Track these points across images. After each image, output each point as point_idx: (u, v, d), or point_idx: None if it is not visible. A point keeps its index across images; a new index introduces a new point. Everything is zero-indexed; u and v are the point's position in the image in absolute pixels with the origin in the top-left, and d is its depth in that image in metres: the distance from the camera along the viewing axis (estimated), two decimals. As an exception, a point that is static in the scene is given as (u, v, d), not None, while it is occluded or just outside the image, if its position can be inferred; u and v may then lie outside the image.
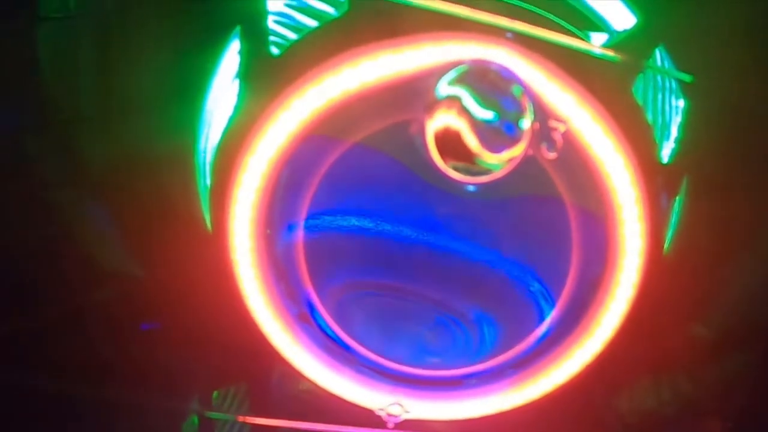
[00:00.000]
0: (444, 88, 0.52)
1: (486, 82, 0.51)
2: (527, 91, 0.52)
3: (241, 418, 0.76)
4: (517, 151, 0.52)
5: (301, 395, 0.74)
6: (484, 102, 0.51)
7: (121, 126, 0.77)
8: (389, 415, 0.66)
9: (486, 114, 0.50)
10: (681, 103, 0.65)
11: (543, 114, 0.54)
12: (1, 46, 0.77)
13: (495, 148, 0.51)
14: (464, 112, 0.50)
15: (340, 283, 0.67)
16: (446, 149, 0.52)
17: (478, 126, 0.50)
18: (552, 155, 0.54)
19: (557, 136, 0.54)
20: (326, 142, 0.60)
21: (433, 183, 0.58)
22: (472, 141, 0.50)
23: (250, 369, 0.75)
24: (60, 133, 0.80)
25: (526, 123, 0.52)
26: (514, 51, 0.53)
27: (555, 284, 0.65)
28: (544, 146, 0.54)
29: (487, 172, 0.53)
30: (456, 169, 0.53)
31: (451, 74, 0.52)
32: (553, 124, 0.53)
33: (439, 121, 0.52)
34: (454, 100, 0.51)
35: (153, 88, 0.72)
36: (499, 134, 0.51)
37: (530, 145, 0.53)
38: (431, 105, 0.52)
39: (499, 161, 0.52)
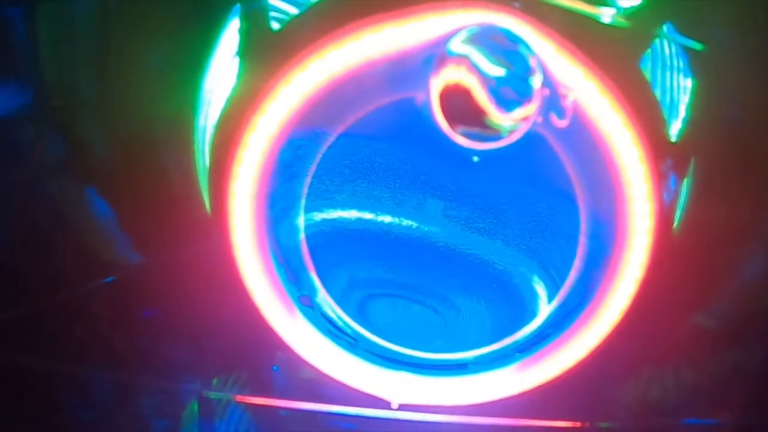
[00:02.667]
0: (453, 46, 0.50)
1: (496, 41, 0.49)
2: (536, 54, 0.51)
3: (239, 398, 0.74)
4: (527, 111, 0.51)
5: (302, 381, 0.73)
6: (495, 59, 0.49)
7: (120, 108, 0.75)
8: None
9: (496, 70, 0.49)
10: (689, 82, 0.64)
11: (552, 80, 0.53)
12: (-2, 28, 0.76)
13: (505, 106, 0.50)
14: (474, 69, 0.49)
15: (343, 266, 0.66)
16: (453, 111, 0.50)
17: (488, 83, 0.49)
18: (562, 123, 0.53)
19: (567, 104, 0.53)
20: (329, 118, 0.59)
21: (438, 159, 0.57)
22: (482, 98, 0.48)
23: (251, 354, 0.73)
24: (58, 117, 0.79)
25: (536, 82, 0.50)
26: (522, 20, 0.52)
27: (562, 265, 0.64)
28: (553, 114, 0.53)
29: (495, 136, 0.51)
30: (463, 134, 0.51)
31: (461, 35, 0.51)
32: (562, 91, 0.52)
33: (446, 82, 0.50)
34: (463, 59, 0.49)
35: (152, 68, 0.71)
36: (509, 92, 0.49)
37: (540, 110, 0.51)
38: (438, 63, 0.51)
39: (509, 121, 0.50)
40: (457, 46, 0.50)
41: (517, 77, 0.50)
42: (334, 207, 0.63)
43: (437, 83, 0.50)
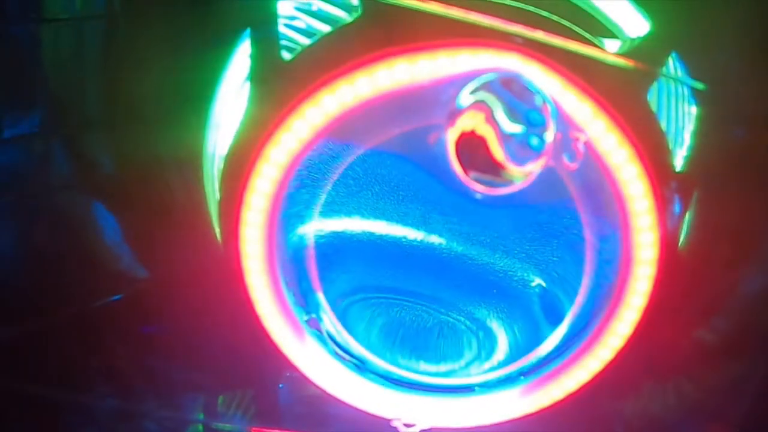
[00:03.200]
0: (467, 97, 0.51)
1: (511, 91, 0.50)
2: (550, 101, 0.52)
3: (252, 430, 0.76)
4: (540, 164, 0.52)
5: (308, 403, 0.74)
6: (512, 114, 0.50)
7: (128, 130, 0.76)
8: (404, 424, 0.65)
9: (514, 127, 0.50)
10: (693, 110, 0.65)
11: (564, 124, 0.54)
12: (7, 48, 0.77)
13: (519, 161, 0.51)
14: (493, 121, 0.50)
15: (351, 289, 0.67)
16: (468, 159, 0.51)
17: (505, 139, 0.50)
18: (573, 165, 0.54)
19: (579, 147, 0.53)
20: (339, 148, 0.60)
21: (449, 191, 0.58)
22: (497, 152, 0.49)
23: (258, 376, 0.74)
24: (66, 136, 0.80)
25: (550, 136, 0.51)
26: (529, 59, 0.53)
27: (567, 292, 0.65)
28: (564, 157, 0.54)
29: (508, 183, 0.52)
30: (477, 180, 0.52)
31: (476, 82, 0.51)
32: (574, 134, 0.53)
33: (460, 130, 0.51)
34: (482, 106, 0.50)
35: (160, 92, 0.72)
36: (524, 148, 0.50)
37: (552, 157, 0.52)
38: (453, 113, 0.51)
39: (522, 174, 0.51)
40: (469, 96, 0.51)
41: (534, 132, 0.51)
42: (343, 226, 0.64)
43: (451, 133, 0.51)
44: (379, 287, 0.67)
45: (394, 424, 0.67)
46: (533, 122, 0.50)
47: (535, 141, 0.50)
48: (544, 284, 0.65)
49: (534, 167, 0.51)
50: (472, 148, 0.51)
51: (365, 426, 0.69)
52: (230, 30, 0.68)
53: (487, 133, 0.50)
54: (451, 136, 0.51)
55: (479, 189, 0.52)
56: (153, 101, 0.73)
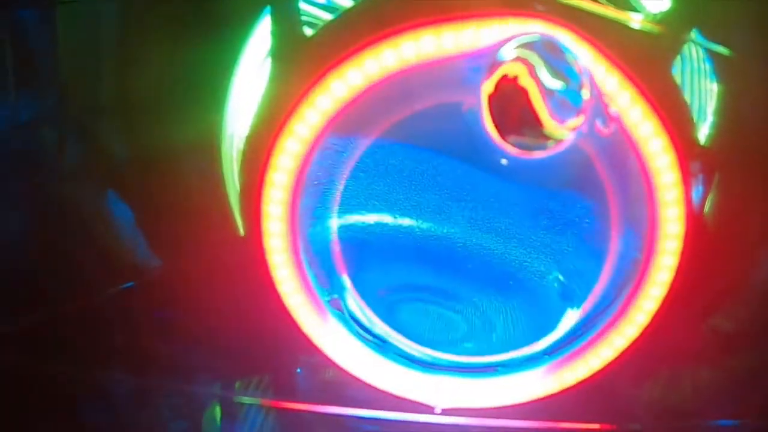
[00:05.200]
0: (508, 52, 0.50)
1: (551, 52, 0.50)
2: (584, 65, 0.51)
3: (264, 402, 0.75)
4: (578, 121, 0.51)
5: (328, 384, 0.73)
6: (553, 71, 0.50)
7: (143, 115, 0.75)
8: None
9: (555, 83, 0.49)
10: (715, 86, 0.64)
11: (597, 90, 0.53)
12: (20, 32, 0.76)
13: (561, 118, 0.50)
14: (536, 77, 0.49)
15: (374, 270, 0.66)
16: (503, 119, 0.51)
17: (547, 93, 0.49)
18: (606, 131, 0.54)
19: (611, 112, 0.53)
20: (364, 123, 0.59)
21: (473, 166, 0.57)
22: (540, 107, 0.49)
23: (279, 357, 0.74)
24: (79, 122, 0.79)
25: (587, 94, 0.51)
26: (561, 26, 0.52)
27: (592, 270, 0.64)
28: (598, 122, 0.53)
29: (543, 146, 0.51)
30: (513, 143, 0.51)
31: (516, 41, 0.51)
32: (606, 100, 0.53)
33: (497, 87, 0.50)
34: (524, 61, 0.50)
35: (176, 75, 0.71)
36: (565, 104, 0.50)
37: (587, 120, 0.52)
38: (492, 67, 0.51)
39: (561, 132, 0.51)
40: (511, 51, 0.50)
41: (572, 89, 0.50)
42: (366, 210, 0.64)
43: (487, 88, 0.50)
44: (403, 270, 0.66)
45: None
46: (571, 79, 0.50)
47: (574, 98, 0.50)
48: (564, 263, 0.64)
49: (572, 125, 0.50)
50: (507, 104, 0.50)
51: (387, 406, 0.69)
52: (247, 9, 0.67)
53: (530, 86, 0.49)
54: (485, 92, 0.50)
55: (513, 152, 0.51)
56: (169, 85, 0.72)
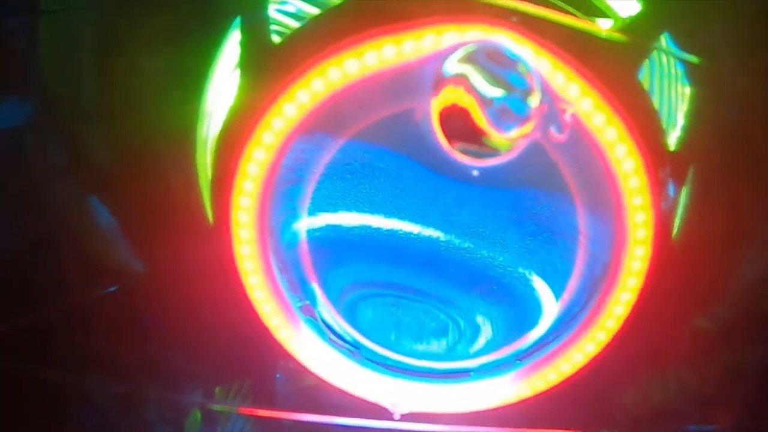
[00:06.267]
0: (451, 66, 0.51)
1: (494, 60, 0.50)
2: (535, 71, 0.51)
3: (243, 411, 0.75)
4: (525, 130, 0.51)
5: (304, 390, 0.73)
6: (493, 80, 0.50)
7: (121, 118, 0.76)
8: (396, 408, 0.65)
9: (494, 91, 0.50)
10: (687, 90, 0.64)
11: (550, 96, 0.53)
12: (1, 39, 0.77)
13: (503, 127, 0.50)
14: (472, 89, 0.49)
15: (344, 275, 0.67)
16: (452, 130, 0.51)
17: (486, 104, 0.49)
18: (560, 137, 0.54)
19: (566, 118, 0.53)
20: (330, 129, 0.59)
21: (438, 171, 0.57)
22: (480, 119, 0.49)
23: (253, 363, 0.74)
24: (59, 126, 0.80)
25: (535, 101, 0.51)
26: (519, 35, 0.52)
27: (561, 274, 0.64)
28: (552, 129, 0.53)
29: (494, 153, 0.52)
30: (462, 151, 0.52)
31: (458, 53, 0.51)
32: (561, 105, 0.53)
33: (445, 100, 0.51)
34: (461, 79, 0.50)
35: (153, 80, 0.72)
36: (507, 113, 0.50)
37: (538, 127, 0.52)
38: (437, 84, 0.51)
39: (507, 141, 0.51)
40: (453, 66, 0.51)
41: (515, 96, 0.50)
42: (336, 213, 0.64)
43: (437, 103, 0.51)
44: (372, 275, 0.67)
45: (390, 410, 0.67)
46: (515, 86, 0.50)
47: (517, 106, 0.50)
48: (533, 267, 0.64)
49: (518, 133, 0.51)
50: (456, 118, 0.50)
51: (360, 412, 0.69)
52: (222, 16, 0.68)
53: (469, 103, 0.49)
54: (435, 108, 0.51)
55: (464, 161, 0.52)
56: (146, 90, 0.73)
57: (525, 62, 0.51)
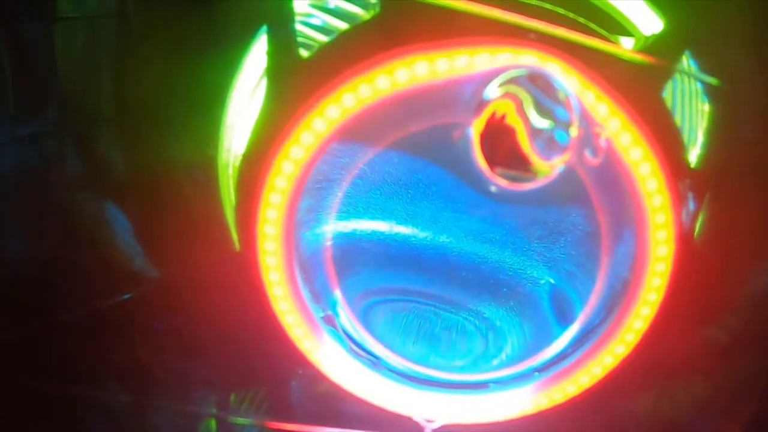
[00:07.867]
0: (494, 90, 0.51)
1: (539, 88, 0.50)
2: (575, 99, 0.52)
3: (259, 422, 0.76)
4: (565, 158, 0.52)
5: (322, 399, 0.74)
6: (541, 110, 0.50)
7: (141, 129, 0.76)
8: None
9: (543, 123, 0.50)
10: (707, 107, 0.65)
11: (586, 120, 0.54)
12: (19, 46, 0.77)
13: (547, 156, 0.51)
14: (522, 115, 0.50)
15: (367, 287, 0.67)
16: (493, 153, 0.52)
17: (535, 133, 0.50)
18: (595, 161, 0.54)
19: (601, 143, 0.54)
20: (356, 146, 0.60)
21: (468, 188, 0.58)
22: (526, 146, 0.50)
23: (273, 372, 0.74)
24: (80, 137, 0.80)
25: (575, 131, 0.52)
26: (549, 56, 0.53)
27: (583, 288, 0.65)
28: (586, 153, 0.54)
29: (532, 178, 0.52)
30: (502, 175, 0.52)
31: (504, 77, 0.52)
32: (595, 130, 0.53)
33: (485, 122, 0.51)
34: (512, 100, 0.50)
35: (174, 91, 0.72)
36: (552, 142, 0.51)
37: (575, 152, 0.53)
38: (479, 105, 0.51)
39: (548, 168, 0.52)
40: (499, 88, 0.51)
41: (560, 128, 0.51)
42: (362, 221, 0.64)
43: (477, 125, 0.51)
44: (395, 287, 0.67)
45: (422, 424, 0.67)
46: (560, 118, 0.50)
47: (561, 136, 0.51)
48: (554, 282, 0.65)
49: (559, 162, 0.51)
50: (496, 141, 0.51)
51: (380, 422, 0.70)
52: (245, 28, 0.68)
53: (517, 125, 0.50)
54: (476, 129, 0.51)
55: (503, 184, 0.52)
56: (167, 101, 0.73)
57: (566, 90, 0.51)
